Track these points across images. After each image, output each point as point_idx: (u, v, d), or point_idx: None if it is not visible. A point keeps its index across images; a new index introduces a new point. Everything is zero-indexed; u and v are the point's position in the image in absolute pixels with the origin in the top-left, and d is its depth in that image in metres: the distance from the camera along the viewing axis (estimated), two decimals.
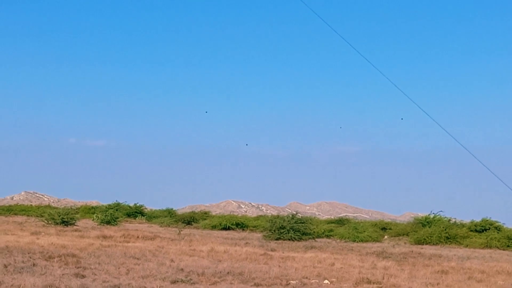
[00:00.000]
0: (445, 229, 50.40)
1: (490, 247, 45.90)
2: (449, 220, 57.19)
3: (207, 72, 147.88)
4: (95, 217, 59.11)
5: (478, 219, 54.97)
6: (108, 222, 55.84)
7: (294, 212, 54.65)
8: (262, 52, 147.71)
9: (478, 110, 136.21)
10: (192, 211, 78.71)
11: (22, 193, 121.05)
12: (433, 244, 47.76)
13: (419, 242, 48.70)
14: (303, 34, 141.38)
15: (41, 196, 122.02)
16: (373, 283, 20.96)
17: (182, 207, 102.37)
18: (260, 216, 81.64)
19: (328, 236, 53.62)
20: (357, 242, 48.23)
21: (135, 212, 78.04)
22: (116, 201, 79.06)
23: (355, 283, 20.79)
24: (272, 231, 47.52)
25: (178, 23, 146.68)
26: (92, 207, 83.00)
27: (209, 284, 19.10)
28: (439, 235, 49.03)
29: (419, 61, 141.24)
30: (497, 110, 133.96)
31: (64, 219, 50.95)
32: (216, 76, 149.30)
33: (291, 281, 20.54)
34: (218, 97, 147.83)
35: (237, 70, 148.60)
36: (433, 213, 58.13)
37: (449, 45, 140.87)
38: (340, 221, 67.25)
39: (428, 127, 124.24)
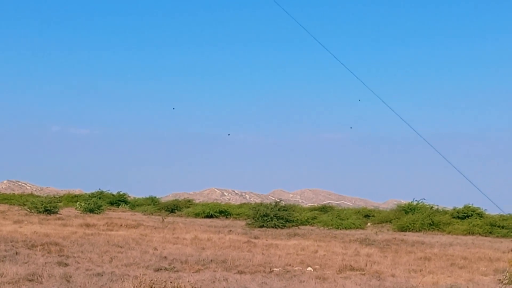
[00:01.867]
0: (428, 216, 50.63)
1: (473, 234, 46.17)
2: (432, 207, 57.45)
3: (192, 59, 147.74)
4: (78, 206, 58.89)
5: (460, 206, 55.29)
6: (91, 211, 55.67)
7: (278, 200, 54.75)
8: (245, 39, 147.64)
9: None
10: (175, 199, 78.62)
11: (5, 181, 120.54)
12: (416, 231, 47.97)
13: (402, 229, 48.91)
14: (286, 20, 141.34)
15: (23, 184, 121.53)
16: (356, 270, 21.03)
17: (165, 195, 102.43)
18: (244, 204, 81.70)
19: (311, 224, 53.72)
20: (340, 229, 48.36)
21: (118, 201, 77.87)
22: (99, 189, 78.94)
23: (338, 270, 20.85)
24: (256, 219, 47.57)
25: (161, 10, 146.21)
26: (75, 196, 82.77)
27: (193, 272, 19.09)
28: (422, 222, 49.25)
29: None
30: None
31: (47, 207, 50.74)
32: (200, 63, 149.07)
33: (275, 269, 20.58)
34: (201, 84, 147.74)
35: (221, 57, 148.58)
36: (416, 200, 58.41)
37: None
38: (324, 209, 67.40)
39: (411, 114, 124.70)
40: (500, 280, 13.16)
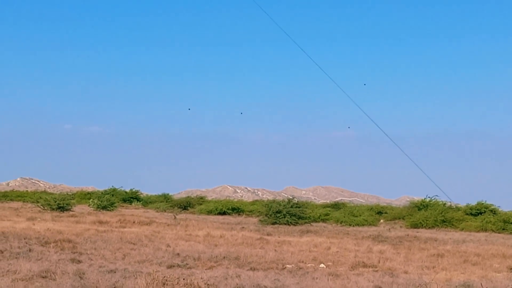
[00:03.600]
0: (441, 213, 50.49)
1: (486, 230, 45.98)
2: (445, 203, 57.26)
3: (204, 57, 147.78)
4: (91, 203, 59.08)
5: (473, 203, 55.12)
6: (104, 208, 55.85)
7: (290, 197, 54.78)
8: (256, 37, 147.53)
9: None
10: (188, 196, 78.88)
11: (18, 179, 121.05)
12: (429, 227, 47.84)
13: (415, 225, 48.78)
14: (297, 20, 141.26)
15: (37, 182, 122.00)
16: (369, 267, 20.98)
17: (178, 192, 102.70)
18: (256, 200, 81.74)
19: (324, 220, 53.69)
20: (353, 226, 48.30)
21: (131, 198, 78.12)
22: (112, 186, 79.19)
23: (351, 267, 20.82)
24: (268, 216, 47.57)
25: (169, 9, 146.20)
26: (88, 193, 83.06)
27: (205, 269, 19.10)
28: (435, 218, 49.12)
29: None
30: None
31: (60, 204, 50.96)
32: (213, 61, 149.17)
33: (287, 265, 20.56)
34: (214, 83, 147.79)
35: (234, 56, 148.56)
36: (429, 197, 58.22)
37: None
38: (336, 205, 67.38)
39: (424, 112, 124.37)
40: None
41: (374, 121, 15.04)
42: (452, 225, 48.87)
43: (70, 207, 52.44)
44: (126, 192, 78.92)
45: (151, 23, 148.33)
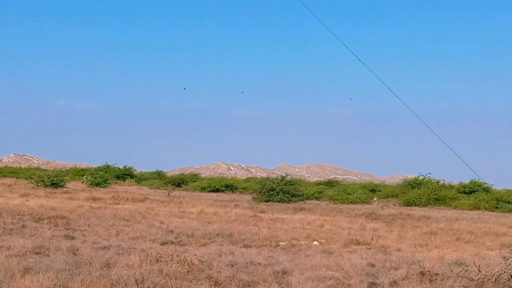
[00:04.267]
0: (434, 191, 50.69)
1: (479, 209, 46.21)
2: (438, 182, 57.49)
3: (198, 33, 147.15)
4: (84, 179, 59.05)
5: (466, 181, 55.31)
6: (98, 184, 55.83)
7: (284, 174, 54.88)
8: (250, 13, 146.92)
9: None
10: (181, 173, 78.81)
11: (11, 155, 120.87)
12: (422, 205, 48.04)
13: (408, 203, 48.98)
14: None
15: (30, 158, 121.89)
16: (362, 244, 21.05)
17: (171, 169, 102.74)
18: (250, 178, 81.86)
19: (317, 198, 53.85)
20: (346, 204, 48.45)
21: (125, 174, 78.12)
22: (106, 163, 79.22)
23: (344, 244, 20.87)
24: (262, 193, 47.65)
25: None
26: (82, 169, 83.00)
27: (199, 246, 19.13)
28: (428, 196, 49.31)
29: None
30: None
31: (54, 181, 50.93)
32: (205, 38, 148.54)
33: (281, 243, 20.61)
34: (208, 59, 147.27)
35: (227, 33, 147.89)
36: (422, 175, 58.44)
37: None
38: (330, 183, 67.50)
39: (416, 89, 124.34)
40: (504, 257, 13.13)
41: (401, 99, 14.83)
42: (445, 203, 49.07)
43: (63, 183, 52.40)
44: (119, 169, 78.91)
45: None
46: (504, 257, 13.13)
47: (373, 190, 61.56)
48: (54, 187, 49.83)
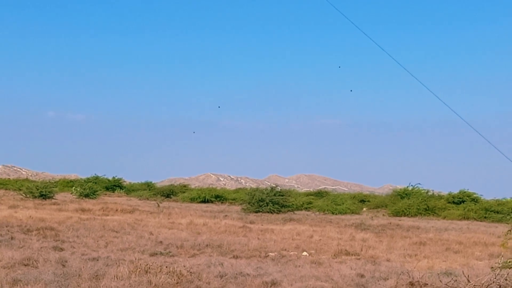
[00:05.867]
0: (423, 201, 50.78)
1: (468, 219, 46.31)
2: (427, 192, 57.60)
3: (188, 45, 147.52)
4: (73, 191, 58.83)
5: (455, 191, 55.48)
6: (87, 196, 55.63)
7: (273, 185, 54.81)
8: (240, 22, 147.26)
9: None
10: (171, 184, 78.73)
11: (0, 166, 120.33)
12: (412, 216, 48.11)
13: (397, 214, 49.04)
14: (280, 3, 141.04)
15: (19, 169, 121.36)
16: (352, 255, 21.06)
17: (161, 180, 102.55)
18: (239, 189, 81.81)
19: (307, 209, 53.82)
20: (335, 214, 48.43)
21: (114, 186, 77.87)
22: (95, 174, 78.85)
23: (334, 255, 20.88)
24: (251, 204, 47.60)
25: None
26: (71, 181, 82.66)
27: (188, 257, 19.10)
28: (417, 207, 49.39)
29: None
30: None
31: (43, 192, 50.71)
32: (195, 50, 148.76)
33: (270, 253, 20.60)
34: (197, 70, 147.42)
35: (216, 44, 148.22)
36: (412, 185, 58.55)
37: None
38: (319, 194, 67.59)
39: (406, 99, 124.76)
40: (492, 268, 13.18)
41: (451, 107, 14.73)
42: (435, 213, 49.17)
43: (52, 194, 52.17)
44: (109, 180, 78.65)
45: (134, 10, 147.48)
46: (493, 267, 13.17)
47: (362, 201, 61.64)
48: (43, 198, 49.61)
